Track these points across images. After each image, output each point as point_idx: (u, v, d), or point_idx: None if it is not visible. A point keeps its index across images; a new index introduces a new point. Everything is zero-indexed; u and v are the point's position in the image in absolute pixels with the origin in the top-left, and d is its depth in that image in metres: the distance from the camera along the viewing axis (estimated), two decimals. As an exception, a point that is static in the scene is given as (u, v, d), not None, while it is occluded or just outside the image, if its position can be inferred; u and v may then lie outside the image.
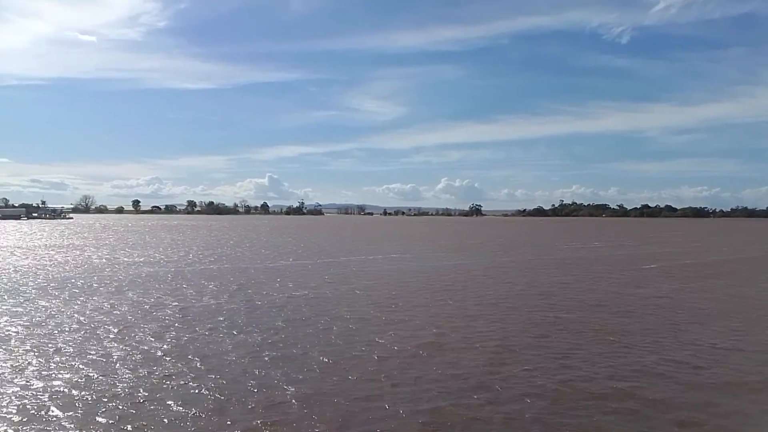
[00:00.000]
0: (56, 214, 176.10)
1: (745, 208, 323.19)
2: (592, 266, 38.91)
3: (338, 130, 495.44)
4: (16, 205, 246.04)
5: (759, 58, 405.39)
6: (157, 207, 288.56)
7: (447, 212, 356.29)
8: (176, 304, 21.21)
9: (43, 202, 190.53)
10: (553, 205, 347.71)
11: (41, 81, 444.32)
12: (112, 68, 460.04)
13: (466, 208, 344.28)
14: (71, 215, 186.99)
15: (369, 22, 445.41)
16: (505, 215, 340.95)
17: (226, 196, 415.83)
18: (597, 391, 11.41)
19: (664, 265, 40.25)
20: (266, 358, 13.62)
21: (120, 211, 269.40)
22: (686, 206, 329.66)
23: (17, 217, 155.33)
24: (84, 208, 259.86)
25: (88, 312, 19.33)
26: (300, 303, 21.81)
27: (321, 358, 13.76)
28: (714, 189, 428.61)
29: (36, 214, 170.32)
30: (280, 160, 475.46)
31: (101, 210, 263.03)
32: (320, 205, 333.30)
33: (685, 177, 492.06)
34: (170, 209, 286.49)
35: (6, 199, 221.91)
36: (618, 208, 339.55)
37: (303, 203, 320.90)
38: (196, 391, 11.22)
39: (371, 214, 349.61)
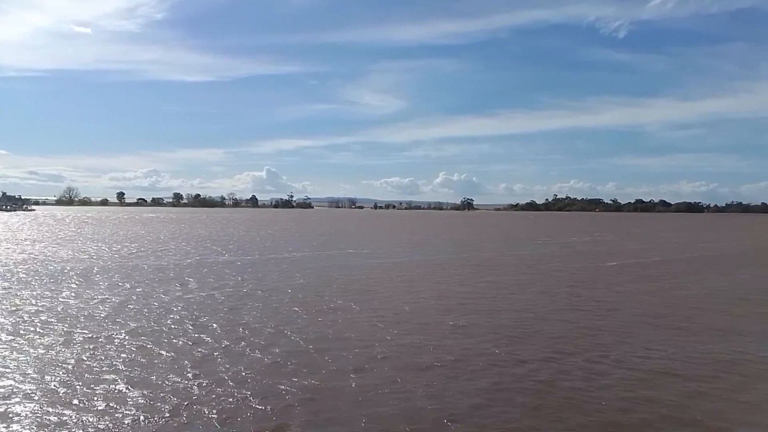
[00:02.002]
0: (17, 205, 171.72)
1: (740, 203, 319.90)
2: (549, 263, 35.35)
3: (337, 124, 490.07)
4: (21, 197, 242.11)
5: (759, 54, 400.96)
6: (143, 199, 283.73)
7: (439, 206, 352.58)
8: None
9: (4, 194, 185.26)
10: (547, 199, 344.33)
11: (39, 73, 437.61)
12: (110, 60, 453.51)
13: (459, 202, 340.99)
14: (34, 207, 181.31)
15: (369, 16, 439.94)
16: (498, 209, 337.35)
17: (223, 189, 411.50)
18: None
19: (626, 262, 36.71)
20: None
21: (104, 203, 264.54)
22: (682, 201, 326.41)
23: None
24: (68, 200, 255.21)
25: None
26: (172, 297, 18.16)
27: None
28: (712, 184, 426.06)
29: None
30: (279, 153, 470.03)
31: (85, 202, 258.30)
32: (309, 198, 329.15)
33: (683, 172, 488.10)
34: (157, 201, 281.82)
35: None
36: (611, 202, 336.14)
37: (292, 196, 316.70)
38: None
39: (362, 207, 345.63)
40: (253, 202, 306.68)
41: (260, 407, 9.80)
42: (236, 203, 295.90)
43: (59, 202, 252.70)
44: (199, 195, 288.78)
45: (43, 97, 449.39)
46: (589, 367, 12.41)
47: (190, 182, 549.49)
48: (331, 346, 13.93)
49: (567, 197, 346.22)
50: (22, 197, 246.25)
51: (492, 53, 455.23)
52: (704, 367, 12.55)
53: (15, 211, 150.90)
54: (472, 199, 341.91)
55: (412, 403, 10.15)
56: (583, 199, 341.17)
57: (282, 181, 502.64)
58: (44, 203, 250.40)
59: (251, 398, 10.21)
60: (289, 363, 12.39)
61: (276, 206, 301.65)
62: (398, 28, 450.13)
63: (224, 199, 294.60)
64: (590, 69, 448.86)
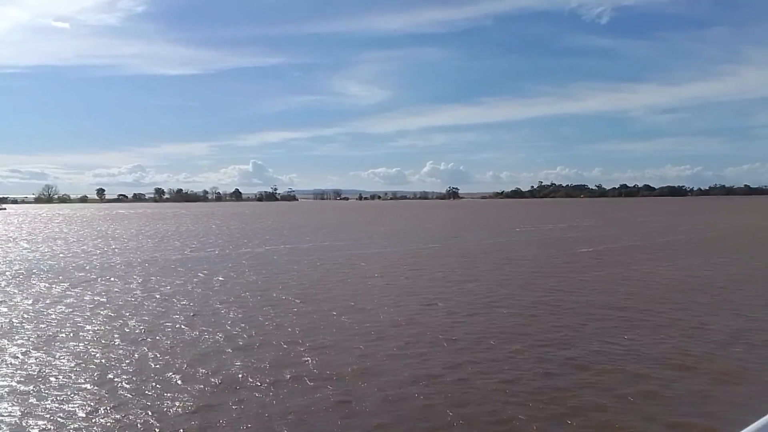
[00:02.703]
0: None
1: (723, 186, 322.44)
2: (524, 250, 34.13)
3: (323, 115, 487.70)
4: None
5: (742, 38, 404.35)
6: (124, 195, 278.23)
7: (425, 196, 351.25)
8: None
9: None
10: (532, 186, 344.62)
11: (19, 69, 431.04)
12: (91, 55, 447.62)
13: (444, 191, 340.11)
14: (4, 206, 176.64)
15: (352, 5, 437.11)
16: (483, 198, 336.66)
17: (209, 183, 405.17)
18: None
19: (599, 249, 35.61)
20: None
21: (84, 200, 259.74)
22: (666, 185, 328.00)
23: None
24: (46, 197, 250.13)
25: None
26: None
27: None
28: (696, 168, 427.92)
29: None
30: (264, 145, 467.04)
31: (64, 199, 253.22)
32: (294, 191, 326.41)
33: (668, 156, 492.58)
34: (138, 197, 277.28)
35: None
36: (596, 188, 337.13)
37: (276, 189, 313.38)
38: None
39: (347, 198, 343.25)
40: (236, 195, 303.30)
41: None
42: (219, 197, 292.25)
43: (38, 200, 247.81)
44: (181, 190, 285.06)
45: (24, 94, 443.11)
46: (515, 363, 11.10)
47: (175, 177, 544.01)
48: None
49: (552, 184, 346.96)
50: (1, 196, 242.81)
51: (476, 41, 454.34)
52: (653, 364, 11.29)
53: None
54: (457, 188, 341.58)
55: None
56: (568, 185, 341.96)
57: (268, 174, 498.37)
58: (23, 201, 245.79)
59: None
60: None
61: (260, 199, 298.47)
62: (382, 17, 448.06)
63: (207, 193, 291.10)
64: (574, 55, 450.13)
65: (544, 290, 20.20)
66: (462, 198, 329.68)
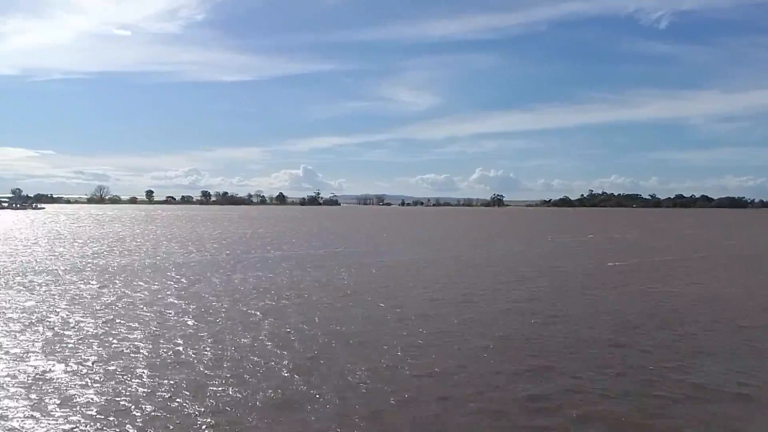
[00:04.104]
0: (27, 204, 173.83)
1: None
2: (554, 261, 31.06)
3: (372, 121, 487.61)
4: (54, 195, 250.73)
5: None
6: (171, 197, 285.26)
7: (469, 202, 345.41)
8: None
9: (19, 190, 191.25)
10: (582, 195, 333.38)
11: (84, 75, 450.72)
12: (152, 61, 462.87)
13: (488, 199, 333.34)
14: (43, 205, 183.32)
15: (403, 12, 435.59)
16: (529, 206, 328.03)
17: (261, 186, 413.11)
18: None
19: (630, 263, 32.09)
20: None
21: (133, 201, 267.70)
22: (726, 196, 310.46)
23: None
24: (98, 198, 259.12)
25: None
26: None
27: None
28: (760, 179, 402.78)
29: (6, 205, 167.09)
30: (314, 151, 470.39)
31: (115, 200, 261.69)
32: (336, 196, 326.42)
33: (729, 166, 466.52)
34: (186, 200, 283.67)
35: (19, 189, 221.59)
36: (650, 197, 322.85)
37: (319, 193, 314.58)
38: None
39: (389, 204, 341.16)
40: (280, 199, 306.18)
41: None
42: (263, 201, 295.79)
43: (90, 201, 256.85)
44: (226, 193, 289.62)
45: (88, 99, 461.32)
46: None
47: (229, 180, 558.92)
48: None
49: (603, 193, 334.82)
50: (56, 196, 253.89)
51: (529, 47, 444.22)
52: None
53: (24, 209, 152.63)
54: (501, 196, 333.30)
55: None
56: (620, 194, 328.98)
57: (318, 179, 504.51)
58: (76, 201, 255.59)
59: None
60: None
61: (303, 204, 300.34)
62: (433, 23, 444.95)
63: (251, 196, 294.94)
64: (630, 61, 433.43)
65: (556, 307, 17.37)
66: (507, 206, 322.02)
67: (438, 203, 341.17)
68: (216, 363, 11.59)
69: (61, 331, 14.04)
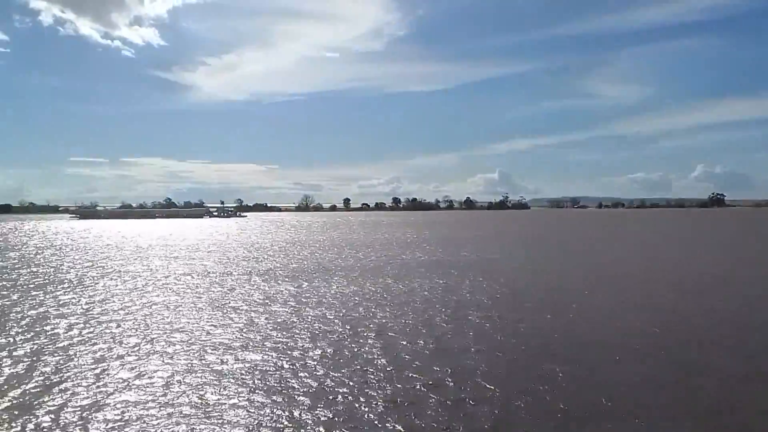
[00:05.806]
0: (231, 213, 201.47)
1: None
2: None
3: (573, 119, 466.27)
4: (268, 204, 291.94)
5: None
6: (366, 204, 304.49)
7: (680, 203, 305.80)
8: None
9: (222, 203, 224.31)
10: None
11: (299, 96, 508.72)
12: (357, 79, 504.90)
13: (705, 198, 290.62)
14: (245, 214, 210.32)
15: (609, 2, 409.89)
16: (758, 205, 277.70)
17: (457, 191, 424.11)
18: None
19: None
20: None
21: (333, 209, 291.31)
22: None
23: (200, 216, 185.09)
24: (304, 206, 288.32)
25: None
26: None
27: None
28: None
29: (216, 213, 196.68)
30: (511, 153, 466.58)
31: (317, 208, 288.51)
32: (525, 199, 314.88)
33: None
34: (379, 206, 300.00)
35: (240, 199, 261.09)
36: None
37: (507, 197, 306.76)
38: None
39: (585, 207, 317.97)
40: (468, 204, 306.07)
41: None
42: (450, 206, 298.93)
43: (298, 209, 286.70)
44: (415, 199, 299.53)
45: (303, 116, 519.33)
46: None
47: (426, 187, 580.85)
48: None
49: None
50: (270, 205, 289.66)
51: (752, 25, 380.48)
52: None
53: (230, 218, 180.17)
54: (722, 194, 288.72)
55: None
56: None
57: (514, 182, 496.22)
58: (286, 210, 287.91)
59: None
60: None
61: (490, 208, 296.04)
62: (640, 9, 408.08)
63: (438, 202, 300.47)
64: None
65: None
66: (729, 206, 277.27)
67: (642, 204, 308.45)
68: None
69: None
